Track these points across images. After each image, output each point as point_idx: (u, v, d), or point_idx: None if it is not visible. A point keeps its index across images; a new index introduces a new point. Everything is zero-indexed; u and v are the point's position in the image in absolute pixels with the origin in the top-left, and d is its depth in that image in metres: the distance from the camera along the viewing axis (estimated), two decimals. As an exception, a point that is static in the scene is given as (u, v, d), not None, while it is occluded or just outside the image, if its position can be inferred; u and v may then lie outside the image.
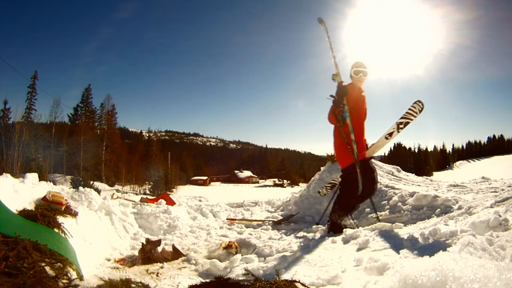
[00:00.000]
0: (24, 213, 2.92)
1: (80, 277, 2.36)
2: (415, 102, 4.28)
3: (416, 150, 58.83)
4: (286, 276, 2.59)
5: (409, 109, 4.31)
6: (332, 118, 4.25)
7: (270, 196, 13.58)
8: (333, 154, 8.67)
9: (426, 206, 5.67)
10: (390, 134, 4.42)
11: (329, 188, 6.16)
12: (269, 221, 6.71)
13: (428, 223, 4.92)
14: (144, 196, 13.47)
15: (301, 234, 5.60)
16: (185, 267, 3.66)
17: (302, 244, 4.52)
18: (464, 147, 69.76)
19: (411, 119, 4.30)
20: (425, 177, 9.12)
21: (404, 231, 4.77)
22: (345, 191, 4.48)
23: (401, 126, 4.37)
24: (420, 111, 4.26)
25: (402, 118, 4.37)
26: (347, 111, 4.05)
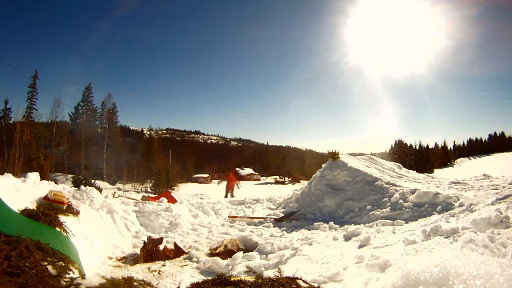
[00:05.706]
0: (26, 213, 2.93)
1: (82, 276, 2.37)
2: None
3: (417, 147, 58.68)
4: (288, 273, 2.60)
5: None
6: None
7: (271, 193, 13.58)
8: (334, 151, 8.66)
9: (427, 203, 5.66)
10: None
11: None
12: (270, 218, 6.72)
13: (430, 220, 4.92)
14: (146, 194, 13.49)
15: (302, 231, 5.61)
16: (187, 265, 3.67)
17: (303, 241, 4.53)
18: (465, 144, 69.52)
19: None
20: (426, 174, 9.11)
21: (405, 228, 4.77)
22: None
23: None
24: None
25: None
26: None
